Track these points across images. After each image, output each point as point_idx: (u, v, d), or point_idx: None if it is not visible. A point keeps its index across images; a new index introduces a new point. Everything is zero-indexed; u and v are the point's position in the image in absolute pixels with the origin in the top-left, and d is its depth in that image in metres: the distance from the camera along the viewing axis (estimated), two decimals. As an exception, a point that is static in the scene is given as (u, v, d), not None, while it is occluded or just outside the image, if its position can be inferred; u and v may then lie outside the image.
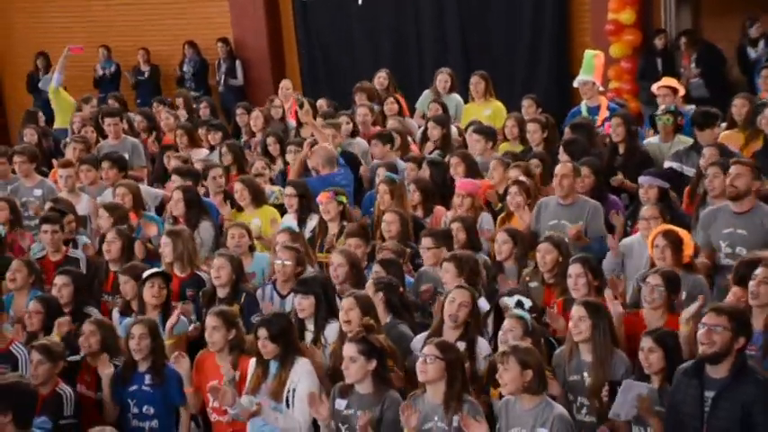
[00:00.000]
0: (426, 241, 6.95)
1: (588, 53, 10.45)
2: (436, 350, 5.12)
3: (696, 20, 13.93)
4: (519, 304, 5.81)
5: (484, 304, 6.16)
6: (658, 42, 12.71)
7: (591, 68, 10.17)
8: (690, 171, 8.02)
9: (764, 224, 6.50)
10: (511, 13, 13.88)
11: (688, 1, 13.75)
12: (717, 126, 8.35)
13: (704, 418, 4.86)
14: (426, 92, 11.26)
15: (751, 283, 5.45)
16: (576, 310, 5.44)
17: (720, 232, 6.65)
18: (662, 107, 9.01)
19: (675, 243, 6.17)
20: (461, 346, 5.62)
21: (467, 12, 14.14)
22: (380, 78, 11.53)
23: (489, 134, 9.32)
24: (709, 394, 4.87)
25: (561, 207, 7.40)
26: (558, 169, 7.50)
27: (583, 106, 10.09)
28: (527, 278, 6.67)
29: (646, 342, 5.26)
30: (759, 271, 5.45)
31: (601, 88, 10.31)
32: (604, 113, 9.64)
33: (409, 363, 5.67)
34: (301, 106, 9.55)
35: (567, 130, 9.30)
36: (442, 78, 11.12)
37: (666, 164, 8.26)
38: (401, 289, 6.27)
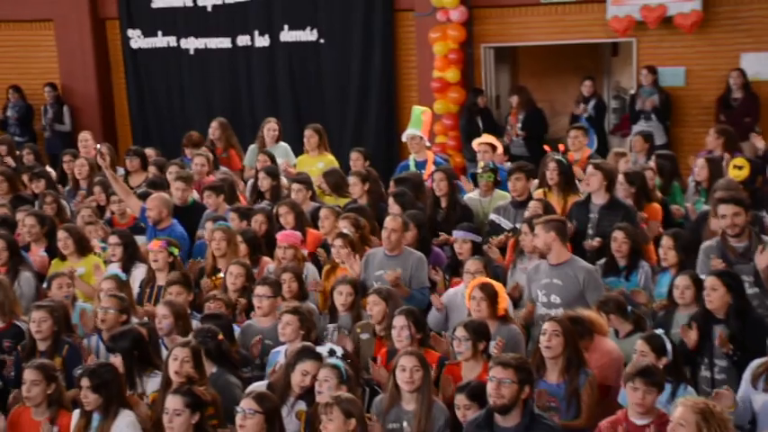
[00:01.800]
0: (263, 290, 6.92)
1: (416, 109, 10.76)
2: (254, 404, 5.12)
3: (514, 80, 14.66)
4: (331, 353, 5.85)
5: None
6: (479, 101, 13.28)
7: (419, 123, 10.47)
8: (507, 224, 8.37)
9: (578, 276, 6.85)
10: (340, 68, 14.20)
11: (506, 62, 14.46)
12: (530, 180, 8.76)
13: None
14: (252, 146, 11.34)
15: (542, 338, 5.74)
16: (408, 361, 5.56)
17: (540, 282, 6.97)
18: (482, 164, 9.40)
19: (491, 296, 6.43)
20: (301, 405, 5.66)
21: (297, 65, 14.38)
22: (213, 129, 11.59)
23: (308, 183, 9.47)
24: None
25: (387, 258, 7.57)
26: (388, 223, 7.64)
27: (411, 160, 10.35)
28: (358, 330, 6.73)
29: (460, 400, 5.45)
30: (547, 325, 5.76)
31: (428, 143, 10.62)
32: (431, 168, 9.87)
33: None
34: (101, 155, 9.48)
35: (392, 183, 9.46)
36: (270, 128, 11.25)
37: (489, 217, 8.60)
38: (219, 338, 6.17)
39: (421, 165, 10.13)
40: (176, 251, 7.73)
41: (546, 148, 9.95)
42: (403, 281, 7.43)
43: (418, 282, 7.55)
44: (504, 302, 6.57)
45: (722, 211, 6.79)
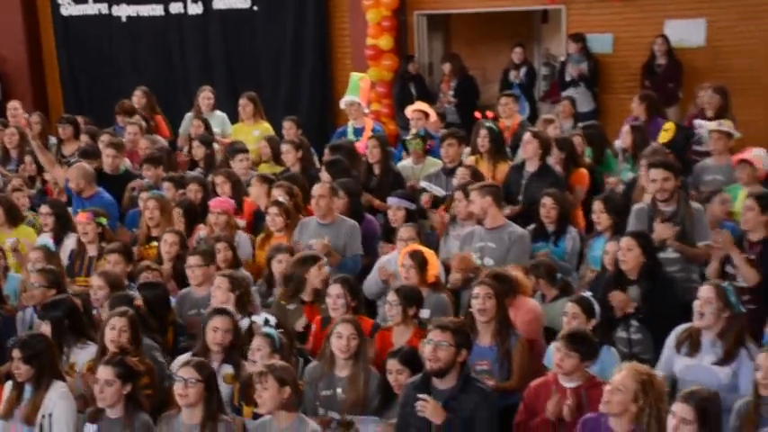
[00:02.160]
0: (194, 260, 6.90)
1: (354, 75, 10.80)
2: (195, 372, 5.14)
3: (447, 47, 14.75)
4: (266, 322, 5.84)
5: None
6: (411, 68, 13.36)
7: (357, 90, 10.50)
8: (438, 191, 8.49)
9: (510, 239, 7.00)
10: (274, 36, 14.15)
11: (439, 29, 14.54)
12: (462, 146, 8.88)
13: (431, 428, 5.15)
14: (188, 115, 11.30)
15: (475, 301, 5.82)
16: (345, 328, 5.62)
17: (473, 246, 7.10)
18: (412, 131, 9.50)
19: (421, 263, 6.52)
20: (227, 368, 5.72)
21: (231, 33, 14.31)
22: (137, 97, 11.52)
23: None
24: None
25: (321, 226, 7.61)
26: (315, 190, 7.70)
27: (349, 127, 10.39)
28: (282, 301, 6.72)
29: (392, 365, 5.54)
30: (478, 289, 5.84)
31: (366, 110, 10.67)
32: (368, 135, 9.89)
33: None
34: (29, 125, 9.38)
35: (326, 150, 9.52)
36: (205, 96, 11.22)
37: (420, 184, 8.68)
38: (137, 304, 6.13)
39: (359, 131, 10.16)
40: (104, 221, 7.69)
41: (477, 114, 10.10)
42: (336, 248, 7.50)
43: (351, 249, 7.61)
44: (435, 269, 6.63)
45: (652, 176, 6.92)
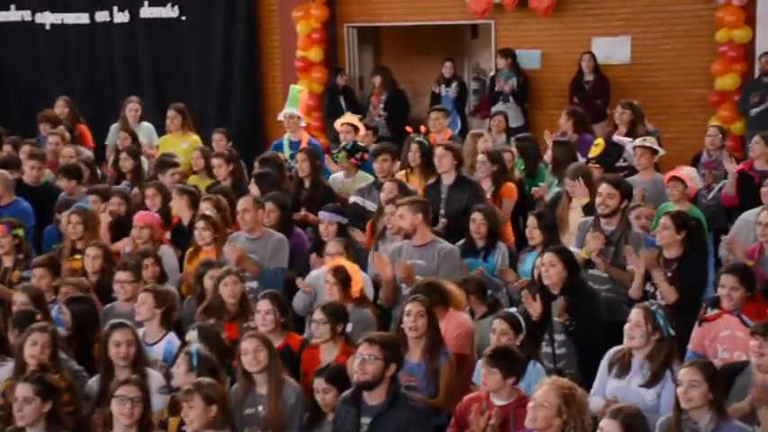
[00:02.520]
0: (124, 275, 6.84)
1: (294, 88, 10.77)
2: (137, 390, 5.09)
3: (377, 60, 14.80)
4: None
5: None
6: (340, 81, 13.36)
7: (296, 102, 10.46)
8: (371, 206, 8.46)
9: (439, 256, 6.97)
10: (203, 46, 14.04)
11: (370, 42, 14.58)
12: (392, 163, 8.89)
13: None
14: (114, 126, 11.13)
15: (406, 318, 5.83)
16: (251, 343, 5.59)
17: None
18: (342, 144, 9.49)
19: (343, 279, 6.50)
20: None
21: (159, 42, 14.16)
22: (60, 107, 11.32)
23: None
24: (366, 420, 5.21)
25: (249, 241, 7.56)
26: (239, 204, 7.65)
27: (285, 140, 10.32)
28: (202, 314, 6.64)
29: (318, 383, 5.51)
30: (411, 306, 5.85)
31: (304, 123, 10.62)
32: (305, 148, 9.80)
33: None
34: None
35: (256, 164, 9.44)
36: (131, 107, 11.07)
37: (351, 199, 8.67)
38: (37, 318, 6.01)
39: (295, 144, 10.09)
40: (21, 232, 7.60)
41: (407, 129, 10.12)
42: (264, 262, 7.46)
43: (275, 263, 7.56)
44: (359, 285, 6.60)
45: (600, 189, 7.08)
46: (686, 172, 7.95)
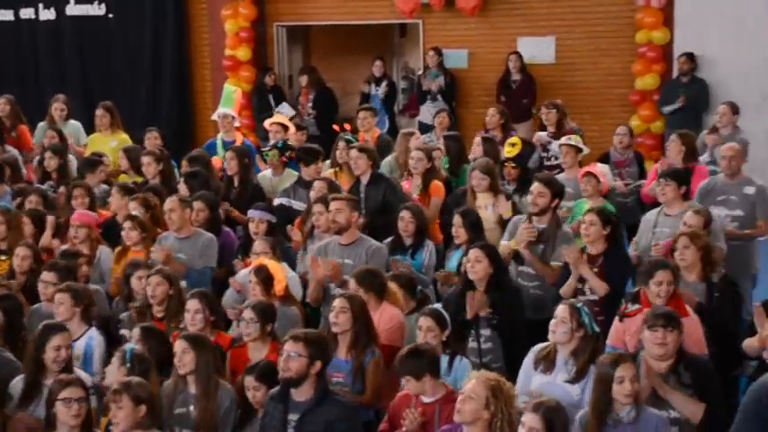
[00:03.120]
0: (50, 276, 6.78)
1: (228, 88, 10.76)
2: (81, 391, 5.09)
3: (306, 59, 14.86)
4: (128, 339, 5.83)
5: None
6: (269, 80, 13.38)
7: (231, 102, 10.44)
8: (298, 205, 8.51)
9: (367, 254, 7.07)
10: (131, 45, 13.95)
11: (299, 41, 14.63)
12: (319, 162, 8.96)
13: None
14: (41, 124, 11.02)
15: (330, 314, 5.92)
16: (178, 344, 5.57)
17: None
18: (271, 143, 9.53)
19: (265, 279, 6.54)
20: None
21: (86, 40, 14.03)
22: (1, 104, 11.17)
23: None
24: (294, 417, 5.25)
25: (177, 240, 7.58)
26: (167, 204, 7.65)
27: (218, 140, 10.29)
28: (134, 314, 6.65)
29: (249, 381, 5.54)
30: (337, 301, 5.93)
31: (238, 123, 10.61)
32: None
33: None
34: None
35: (184, 162, 9.42)
36: (58, 106, 10.96)
37: (276, 201, 8.63)
38: None
39: (229, 145, 10.01)
40: None
41: (335, 127, 10.21)
42: (193, 262, 7.47)
43: (204, 262, 7.58)
44: (282, 283, 6.63)
45: (531, 188, 7.22)
46: (599, 168, 8.17)
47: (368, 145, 8.81)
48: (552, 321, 5.59)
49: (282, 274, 6.70)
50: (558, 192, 7.24)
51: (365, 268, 6.46)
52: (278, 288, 6.57)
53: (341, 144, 8.96)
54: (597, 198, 8.02)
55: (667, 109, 11.99)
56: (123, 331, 6.11)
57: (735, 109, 9.84)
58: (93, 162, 9.37)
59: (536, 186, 7.17)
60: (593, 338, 5.54)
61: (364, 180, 8.40)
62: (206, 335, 6.01)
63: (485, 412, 4.82)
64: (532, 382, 5.61)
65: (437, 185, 8.67)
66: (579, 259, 6.64)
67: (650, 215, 7.61)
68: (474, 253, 6.37)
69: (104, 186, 9.12)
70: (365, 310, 6.00)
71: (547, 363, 5.58)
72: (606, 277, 6.62)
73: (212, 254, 7.66)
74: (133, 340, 5.90)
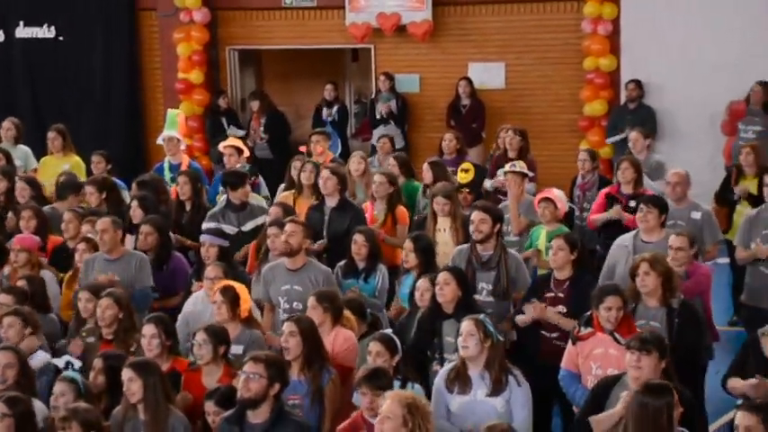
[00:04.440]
0: (7, 299, 6.75)
1: (171, 111, 10.75)
2: (6, 407, 5.06)
3: (259, 83, 14.90)
4: (68, 365, 5.76)
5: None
6: (222, 102, 13.39)
7: (175, 125, 10.46)
8: (230, 229, 8.39)
9: (317, 279, 7.05)
10: (81, 68, 13.88)
11: (251, 65, 14.66)
12: (246, 185, 8.84)
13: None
14: (-11, 145, 10.93)
15: (282, 339, 5.92)
16: (125, 373, 5.49)
17: (279, 289, 7.10)
18: (238, 167, 9.53)
19: (233, 299, 6.53)
20: None
21: (36, 61, 13.93)
22: None
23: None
24: None
25: (107, 262, 7.52)
26: (98, 224, 7.62)
27: (165, 163, 10.28)
28: (83, 334, 6.63)
29: (209, 406, 5.55)
30: (286, 325, 5.95)
31: (183, 146, 10.61)
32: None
33: None
34: None
35: (134, 186, 9.35)
36: (7, 127, 10.86)
37: (204, 225, 8.41)
38: None
39: (175, 167, 10.07)
40: None
41: (302, 149, 10.23)
42: (126, 282, 7.40)
43: (140, 282, 7.55)
44: (247, 304, 6.65)
45: (472, 217, 7.22)
46: (556, 193, 8.17)
47: (340, 168, 8.84)
48: (460, 338, 5.66)
49: (247, 295, 6.71)
50: (498, 217, 7.27)
51: (326, 289, 6.42)
52: (243, 308, 6.57)
53: (308, 167, 8.97)
54: (554, 223, 7.96)
55: (611, 140, 12.21)
56: (55, 360, 6.03)
57: (645, 135, 9.97)
58: (77, 185, 9.29)
59: (476, 214, 7.17)
60: (499, 347, 5.66)
61: (331, 203, 8.39)
62: (161, 360, 5.98)
63: (403, 429, 4.86)
64: (451, 404, 5.66)
65: (402, 212, 8.68)
66: (544, 311, 6.67)
67: (624, 241, 7.49)
68: (443, 276, 6.42)
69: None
70: (314, 330, 6.02)
71: (461, 382, 5.65)
72: (573, 303, 6.63)
73: (147, 273, 7.63)
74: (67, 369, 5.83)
